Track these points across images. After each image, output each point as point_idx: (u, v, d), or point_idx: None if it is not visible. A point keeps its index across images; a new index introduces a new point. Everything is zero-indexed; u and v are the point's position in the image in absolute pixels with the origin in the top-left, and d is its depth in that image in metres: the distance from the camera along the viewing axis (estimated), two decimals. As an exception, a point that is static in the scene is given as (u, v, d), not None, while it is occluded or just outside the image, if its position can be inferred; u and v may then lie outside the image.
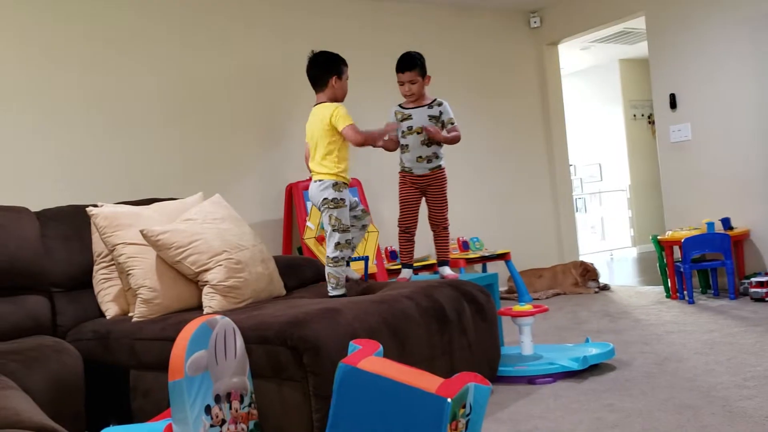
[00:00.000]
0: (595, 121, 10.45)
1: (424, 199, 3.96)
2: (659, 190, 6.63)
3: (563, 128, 7.53)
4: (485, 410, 2.04)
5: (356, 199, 3.75)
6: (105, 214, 3.51)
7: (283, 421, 2.60)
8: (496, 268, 6.37)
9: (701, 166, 6.09)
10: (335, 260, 3.47)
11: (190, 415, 2.18)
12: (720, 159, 5.94)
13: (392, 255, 5.92)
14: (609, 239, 10.54)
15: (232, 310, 3.15)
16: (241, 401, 2.39)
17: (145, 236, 3.34)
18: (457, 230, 6.43)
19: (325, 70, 3.54)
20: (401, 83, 3.83)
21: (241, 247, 3.51)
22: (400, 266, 4.14)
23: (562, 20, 7.22)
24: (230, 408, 2.33)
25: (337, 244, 3.48)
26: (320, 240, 5.11)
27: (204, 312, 3.24)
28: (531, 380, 3.50)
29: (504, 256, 6.30)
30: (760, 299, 5.23)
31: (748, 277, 5.50)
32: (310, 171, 3.60)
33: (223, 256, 3.39)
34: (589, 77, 10.43)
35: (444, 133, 3.83)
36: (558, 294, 6.57)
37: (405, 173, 3.93)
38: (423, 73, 3.83)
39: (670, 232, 5.88)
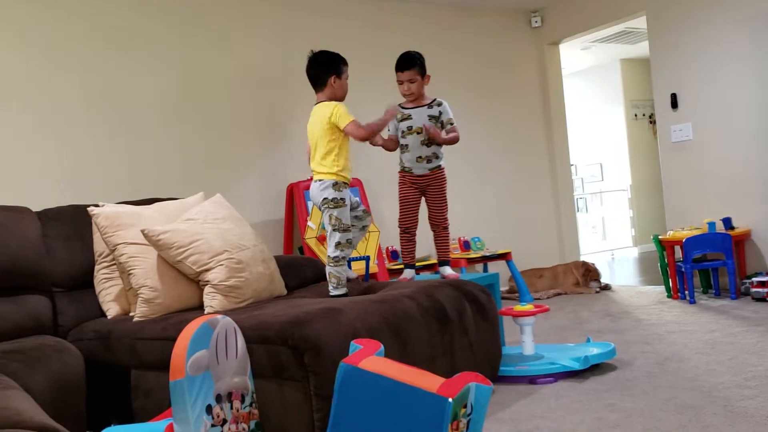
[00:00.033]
0: (596, 121, 10.45)
1: (424, 199, 3.96)
2: (660, 189, 6.62)
3: (564, 128, 7.52)
4: (486, 410, 2.04)
5: (357, 199, 3.75)
6: (106, 213, 3.51)
7: (284, 421, 2.60)
8: (497, 267, 6.37)
9: (702, 165, 6.08)
10: (336, 260, 3.47)
11: (191, 414, 2.18)
12: (721, 159, 5.94)
13: (393, 255, 5.92)
14: (610, 239, 10.54)
15: (233, 310, 3.15)
16: (242, 401, 2.39)
17: (146, 236, 3.35)
18: (458, 230, 6.44)
19: (325, 70, 3.54)
20: (400, 82, 3.83)
21: (242, 247, 3.51)
22: (401, 266, 4.15)
23: (563, 20, 7.21)
24: (231, 408, 2.33)
25: (338, 243, 3.48)
26: (321, 240, 5.11)
27: (205, 312, 3.24)
28: (532, 380, 3.50)
29: (505, 256, 6.30)
30: (761, 299, 5.22)
31: (749, 277, 5.50)
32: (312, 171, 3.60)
33: (224, 256, 3.39)
34: (590, 77, 10.42)
35: (443, 134, 3.83)
36: (559, 294, 6.57)
37: (405, 173, 3.93)
38: (422, 72, 3.83)
39: (672, 232, 5.88)
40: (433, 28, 6.66)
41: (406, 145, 3.86)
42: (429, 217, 3.96)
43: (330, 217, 3.50)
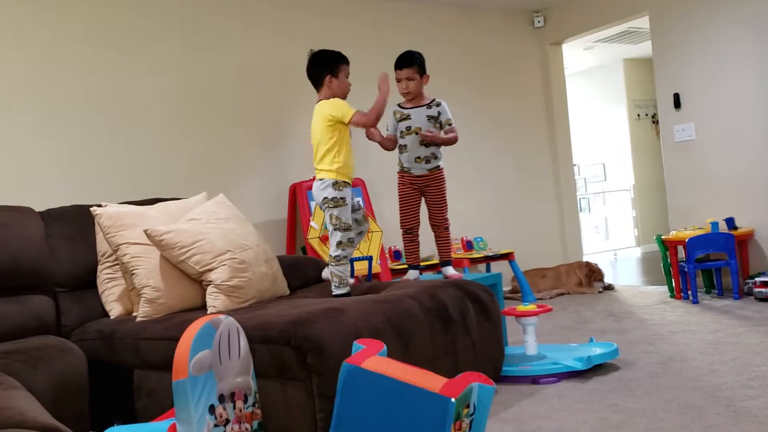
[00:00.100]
0: (598, 121, 10.44)
1: (423, 199, 3.95)
2: (663, 189, 6.62)
3: (567, 128, 7.52)
4: (489, 410, 2.04)
5: (359, 199, 3.74)
6: (109, 214, 3.51)
7: (287, 421, 2.60)
8: (499, 267, 6.37)
9: (705, 165, 6.07)
10: (337, 259, 3.47)
11: (194, 414, 2.18)
12: (724, 159, 5.93)
13: (396, 255, 5.92)
14: (613, 239, 10.53)
15: (235, 310, 3.15)
16: (245, 401, 2.39)
17: (149, 236, 3.35)
18: (461, 230, 6.44)
19: (321, 70, 3.54)
20: (398, 80, 3.83)
21: (244, 247, 3.51)
22: (404, 266, 4.14)
23: (566, 20, 7.21)
24: (234, 408, 2.33)
25: (339, 243, 3.48)
26: (324, 239, 5.11)
27: (208, 312, 3.24)
28: (535, 380, 3.50)
29: (508, 256, 6.30)
30: (764, 299, 5.21)
31: (752, 277, 5.49)
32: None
33: (227, 256, 3.39)
34: (593, 77, 10.41)
35: (441, 134, 3.82)
36: (562, 294, 6.56)
37: (403, 173, 3.93)
38: (422, 72, 3.83)
39: (674, 232, 5.88)
40: (434, 27, 6.66)
41: (405, 146, 3.86)
42: (429, 217, 3.95)
43: (330, 216, 3.49)
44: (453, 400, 1.87)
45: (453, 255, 6.08)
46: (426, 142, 3.81)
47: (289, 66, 5.54)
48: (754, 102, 5.70)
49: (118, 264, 3.57)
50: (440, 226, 3.95)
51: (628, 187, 10.23)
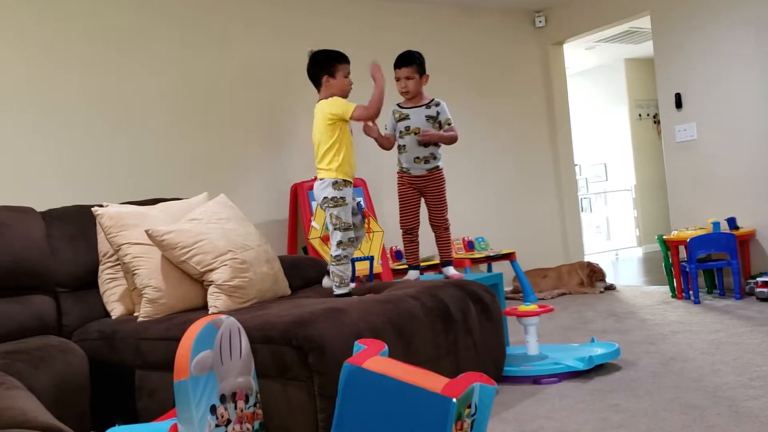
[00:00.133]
0: (600, 121, 10.43)
1: (423, 200, 3.95)
2: (665, 189, 6.61)
3: (568, 128, 7.52)
4: (490, 410, 2.04)
5: (360, 199, 3.74)
6: (110, 214, 3.52)
7: (288, 421, 2.60)
8: (501, 268, 6.37)
9: (707, 165, 6.07)
10: (338, 259, 3.46)
11: (195, 414, 2.18)
12: (726, 159, 5.93)
13: (397, 255, 5.92)
14: (614, 239, 10.52)
15: (237, 310, 3.15)
16: (247, 401, 2.39)
17: (150, 236, 3.35)
18: (462, 230, 6.44)
19: (319, 70, 3.54)
20: (397, 79, 3.83)
21: (246, 247, 3.51)
22: (405, 266, 4.14)
23: (567, 20, 7.21)
24: (235, 408, 2.33)
25: (340, 242, 3.48)
26: (325, 240, 5.11)
27: (209, 312, 3.24)
28: (536, 380, 3.50)
29: (509, 256, 6.30)
30: (766, 299, 5.21)
31: (753, 277, 5.49)
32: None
33: (228, 256, 3.39)
34: (595, 77, 10.41)
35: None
36: (563, 294, 6.56)
37: (403, 173, 3.93)
38: (421, 71, 3.83)
39: (676, 232, 5.87)
40: (435, 27, 6.65)
41: (404, 146, 3.86)
42: (429, 218, 3.95)
43: (331, 216, 3.49)
44: (454, 400, 1.87)
45: (454, 255, 6.10)
46: (425, 143, 3.81)
47: (289, 66, 5.54)
48: (755, 102, 5.70)
49: (119, 264, 3.57)
50: (440, 227, 3.95)
51: (630, 187, 10.22)
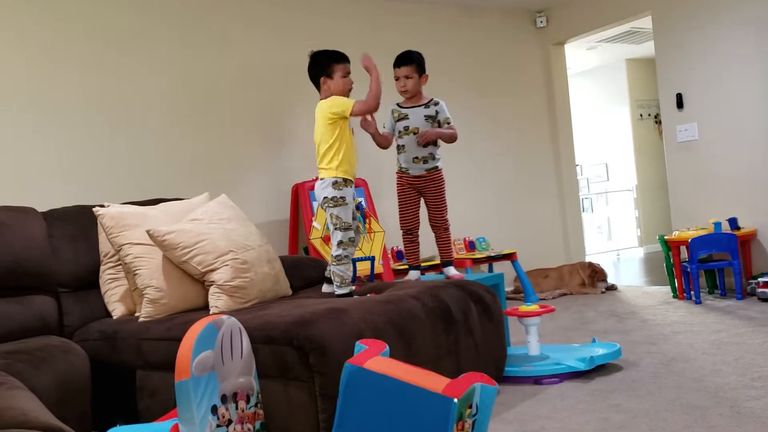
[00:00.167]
0: (601, 121, 10.43)
1: (423, 200, 3.95)
2: (666, 190, 6.61)
3: (570, 128, 7.52)
4: (492, 410, 2.04)
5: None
6: (111, 214, 3.52)
7: (290, 421, 2.60)
8: (502, 268, 6.36)
9: (708, 165, 6.07)
10: (338, 258, 3.46)
11: (196, 415, 2.18)
12: (727, 159, 5.92)
13: (398, 255, 5.92)
14: (615, 239, 10.52)
15: (238, 310, 3.15)
16: (248, 401, 2.39)
17: (151, 236, 3.35)
18: (463, 230, 6.44)
19: (316, 72, 3.54)
20: (396, 78, 3.84)
21: (247, 247, 3.51)
22: (406, 266, 4.14)
23: (569, 20, 7.20)
24: (236, 408, 2.33)
25: (340, 242, 3.47)
26: (326, 240, 5.11)
27: (210, 312, 3.24)
28: (537, 380, 3.50)
29: (510, 257, 6.29)
30: (767, 299, 5.21)
31: (755, 277, 5.48)
32: None
33: (229, 256, 3.39)
34: (596, 77, 10.41)
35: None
36: (564, 294, 6.56)
37: (402, 174, 3.93)
38: (420, 70, 3.82)
39: (677, 232, 5.87)
40: (435, 27, 6.65)
41: (403, 146, 3.86)
42: (429, 219, 3.95)
43: (331, 215, 3.49)
44: (455, 400, 1.87)
45: (455, 255, 6.09)
46: (424, 143, 3.81)
47: (289, 66, 5.54)
48: (756, 102, 5.69)
49: (120, 264, 3.57)
50: (440, 227, 3.94)
51: (631, 188, 10.22)
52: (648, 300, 5.85)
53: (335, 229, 3.49)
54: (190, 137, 5.26)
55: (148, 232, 3.35)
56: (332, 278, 3.49)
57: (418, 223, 3.95)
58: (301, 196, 5.36)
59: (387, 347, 2.21)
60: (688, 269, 5.54)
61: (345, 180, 3.48)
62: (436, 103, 3.85)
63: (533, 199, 7.21)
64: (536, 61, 7.40)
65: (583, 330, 4.81)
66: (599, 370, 3.60)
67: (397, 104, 3.90)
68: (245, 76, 5.57)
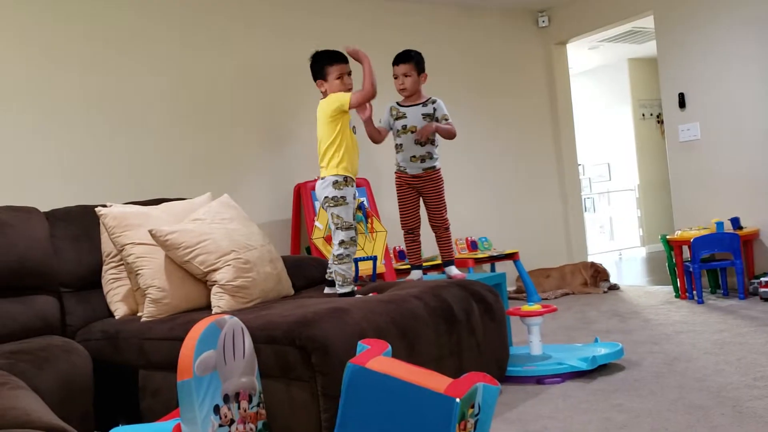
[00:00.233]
0: (603, 121, 10.42)
1: (422, 200, 3.95)
2: (668, 189, 6.61)
3: (572, 128, 7.51)
4: (494, 410, 2.04)
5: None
6: (114, 214, 3.52)
7: (292, 421, 2.60)
8: (504, 267, 6.36)
9: (710, 165, 6.06)
10: (340, 258, 3.46)
11: (198, 414, 2.18)
12: (729, 158, 5.92)
13: (401, 255, 5.92)
14: (618, 239, 10.51)
15: (240, 310, 3.15)
16: (250, 401, 2.39)
17: (153, 236, 3.35)
18: (465, 230, 6.44)
19: (314, 75, 3.56)
20: (395, 77, 3.84)
21: (249, 247, 3.51)
22: (408, 266, 4.14)
23: (571, 20, 7.20)
24: (239, 408, 2.33)
25: (342, 241, 3.48)
26: (329, 240, 5.11)
27: (212, 312, 3.24)
28: (540, 380, 3.50)
29: (512, 256, 6.29)
30: (769, 299, 5.21)
31: (757, 277, 5.48)
32: None
33: (231, 256, 3.39)
34: (598, 77, 10.40)
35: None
36: (566, 294, 6.55)
37: (400, 173, 3.93)
38: (419, 69, 3.83)
39: (679, 232, 5.86)
40: (436, 27, 6.65)
41: (401, 144, 3.86)
42: (429, 218, 3.95)
43: (332, 215, 3.49)
44: (458, 400, 1.87)
45: (457, 255, 6.09)
46: (421, 141, 3.81)
47: (289, 66, 5.55)
48: (758, 101, 5.69)
49: (123, 264, 3.58)
50: (440, 227, 3.94)
51: (633, 187, 10.21)
52: (650, 300, 5.85)
53: (336, 228, 3.49)
54: (191, 137, 5.27)
55: (150, 231, 3.36)
56: (334, 277, 3.49)
57: (419, 222, 3.95)
58: (303, 195, 5.37)
59: (389, 347, 2.21)
60: (691, 269, 5.53)
61: (346, 179, 3.48)
62: (434, 102, 3.86)
63: (535, 199, 7.21)
64: (538, 60, 7.40)
65: (585, 330, 4.81)
66: (601, 369, 3.60)
67: (397, 103, 3.90)
68: (245, 76, 5.58)
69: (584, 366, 3.51)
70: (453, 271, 3.93)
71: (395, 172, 3.95)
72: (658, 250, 8.84)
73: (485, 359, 3.30)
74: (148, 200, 4.02)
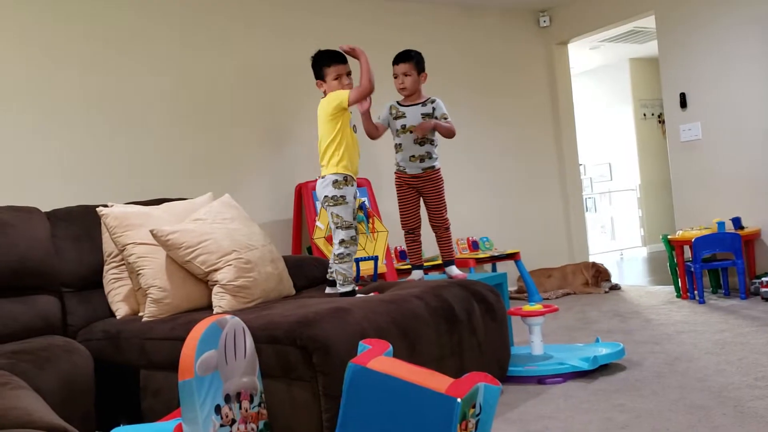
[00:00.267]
0: (604, 121, 10.42)
1: (422, 200, 3.95)
2: (669, 189, 6.61)
3: (573, 128, 7.51)
4: (495, 410, 2.04)
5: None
6: (115, 214, 3.52)
7: (293, 421, 2.60)
8: (505, 267, 6.36)
9: (712, 165, 6.06)
10: (340, 257, 3.46)
11: (200, 414, 2.18)
12: (730, 158, 5.92)
13: (401, 255, 5.92)
14: (619, 239, 10.51)
15: (241, 310, 3.15)
16: (251, 401, 2.39)
17: (154, 236, 3.35)
18: (466, 230, 6.44)
19: (315, 76, 3.56)
20: (395, 76, 3.84)
21: (250, 247, 3.51)
22: (409, 266, 4.14)
23: (572, 19, 7.20)
24: (240, 408, 2.33)
25: (342, 241, 3.48)
26: (330, 240, 5.11)
27: (214, 312, 3.24)
28: (541, 380, 3.50)
29: (514, 256, 6.29)
30: (771, 299, 5.21)
31: (758, 277, 5.47)
32: None
33: (232, 256, 3.39)
34: (599, 76, 10.40)
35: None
36: (568, 294, 6.55)
37: (400, 173, 3.93)
38: (419, 69, 3.83)
39: (681, 232, 5.86)
40: (437, 27, 6.65)
41: (400, 144, 3.86)
42: (429, 218, 3.95)
43: (332, 214, 3.49)
44: (459, 400, 1.87)
45: (458, 255, 6.10)
46: (420, 141, 3.81)
47: (289, 66, 5.55)
48: (760, 101, 5.69)
49: (124, 264, 3.58)
50: (440, 227, 3.94)
51: (634, 187, 10.21)
52: (651, 300, 5.84)
53: (336, 227, 3.49)
54: (191, 137, 5.27)
55: (151, 231, 3.36)
56: (335, 277, 3.49)
57: (420, 222, 3.95)
58: (304, 195, 5.37)
59: (390, 347, 2.21)
60: (692, 269, 5.53)
61: (346, 178, 3.47)
62: (433, 101, 3.86)
63: (536, 199, 7.20)
64: (539, 60, 7.40)
65: (586, 330, 4.81)
66: (602, 369, 3.60)
67: (397, 102, 3.90)
68: (245, 76, 5.58)
69: (585, 366, 3.51)
70: (453, 271, 3.93)
71: (395, 172, 3.95)
72: (660, 250, 8.83)
73: (486, 359, 3.30)
74: (149, 200, 4.02)
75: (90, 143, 4.84)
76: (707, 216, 5.95)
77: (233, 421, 2.29)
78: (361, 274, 3.97)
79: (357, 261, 3.61)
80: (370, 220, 5.40)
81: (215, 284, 3.34)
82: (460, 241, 6.38)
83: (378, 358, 2.11)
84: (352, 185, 3.52)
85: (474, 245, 6.50)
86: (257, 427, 2.41)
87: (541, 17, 7.34)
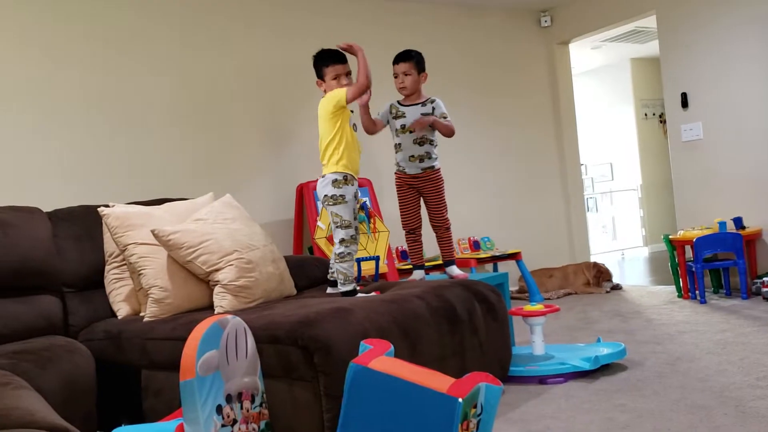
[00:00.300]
0: (606, 121, 10.42)
1: (423, 200, 3.94)
2: (671, 189, 6.60)
3: (574, 128, 7.51)
4: (496, 410, 2.04)
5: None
6: (116, 214, 3.52)
7: (294, 421, 2.60)
8: (506, 267, 6.36)
9: (713, 165, 6.06)
10: (341, 256, 3.46)
11: (201, 414, 2.18)
12: (732, 158, 5.92)
13: (403, 255, 5.92)
14: (620, 239, 10.51)
15: (242, 310, 3.15)
16: (252, 401, 2.39)
17: (156, 236, 3.35)
18: (468, 230, 6.44)
19: (316, 75, 3.56)
20: (395, 75, 3.84)
21: (251, 247, 3.51)
22: (411, 266, 4.14)
23: (573, 19, 7.20)
24: (241, 408, 2.34)
25: (342, 240, 3.48)
26: (331, 240, 5.10)
27: (215, 312, 3.25)
28: (542, 380, 3.49)
29: (515, 256, 6.29)
30: (772, 299, 5.21)
31: (760, 277, 5.47)
32: None
33: (233, 256, 3.40)
34: (600, 76, 10.39)
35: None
36: (569, 294, 6.55)
37: (399, 173, 3.93)
38: (419, 68, 3.82)
39: (682, 232, 5.86)
40: (438, 27, 6.65)
41: (400, 144, 3.86)
42: (429, 219, 3.94)
43: (332, 214, 3.50)
44: (460, 400, 1.87)
45: (459, 255, 6.10)
46: (420, 141, 3.81)
47: (290, 66, 5.55)
48: (761, 101, 5.68)
49: (125, 264, 3.58)
50: (441, 227, 3.93)
51: (636, 187, 10.21)
52: (653, 299, 5.84)
53: (336, 227, 3.49)
54: (191, 137, 5.27)
55: (152, 231, 3.36)
56: (336, 276, 3.49)
57: (420, 222, 3.95)
58: (305, 195, 5.37)
59: (392, 347, 2.21)
60: (693, 269, 5.53)
61: (345, 177, 3.47)
62: (433, 101, 3.85)
63: (538, 199, 7.20)
64: (541, 60, 7.40)
65: (587, 330, 4.81)
66: (604, 369, 3.60)
67: (397, 101, 3.90)
68: (245, 76, 5.58)
69: (587, 366, 3.50)
70: (454, 271, 3.92)
71: (395, 173, 3.95)
72: (661, 250, 8.84)
73: (488, 359, 3.30)
74: (151, 200, 4.02)
75: (90, 143, 4.84)
76: (708, 216, 5.95)
77: (234, 421, 2.30)
78: (362, 274, 3.97)
79: (358, 261, 3.61)
80: (372, 220, 5.40)
81: (216, 284, 3.35)
82: (462, 241, 6.38)
83: (379, 358, 2.11)
84: (353, 184, 3.52)
85: (475, 245, 6.50)
86: (259, 427, 2.41)
87: (542, 17, 7.34)
